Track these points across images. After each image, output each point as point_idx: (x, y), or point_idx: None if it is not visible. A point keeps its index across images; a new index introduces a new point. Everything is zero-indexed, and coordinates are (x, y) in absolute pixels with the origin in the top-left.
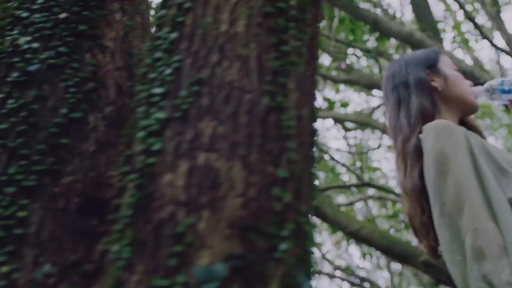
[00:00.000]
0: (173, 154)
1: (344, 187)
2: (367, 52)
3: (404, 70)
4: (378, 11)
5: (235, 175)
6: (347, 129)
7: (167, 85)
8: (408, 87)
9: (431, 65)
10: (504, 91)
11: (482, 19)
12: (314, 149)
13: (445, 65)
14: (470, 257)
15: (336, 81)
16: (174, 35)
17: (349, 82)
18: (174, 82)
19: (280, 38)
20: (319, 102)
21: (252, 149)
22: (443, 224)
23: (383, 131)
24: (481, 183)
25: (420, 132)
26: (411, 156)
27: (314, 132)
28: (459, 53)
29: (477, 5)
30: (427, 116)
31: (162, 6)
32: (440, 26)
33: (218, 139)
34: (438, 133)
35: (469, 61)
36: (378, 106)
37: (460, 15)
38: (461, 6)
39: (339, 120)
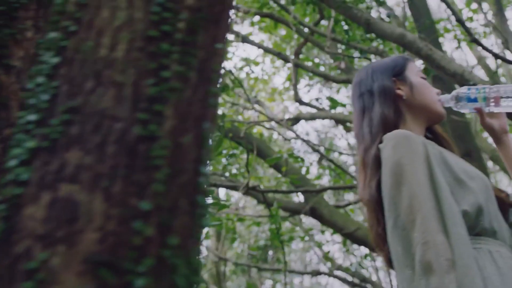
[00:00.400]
0: (37, 185)
1: (339, 188)
2: (360, 52)
3: (370, 77)
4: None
5: (95, 208)
6: (348, 129)
7: (42, 113)
8: (372, 95)
9: (397, 73)
10: (470, 100)
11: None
12: (204, 175)
13: (412, 73)
14: (419, 271)
15: (335, 81)
16: (56, 59)
17: (349, 82)
18: (48, 109)
19: (160, 63)
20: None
21: (116, 180)
22: (396, 236)
23: None
24: (435, 195)
25: (381, 142)
26: (371, 166)
27: (202, 158)
28: (461, 52)
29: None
30: (388, 125)
31: (50, 28)
32: (444, 24)
33: (83, 170)
34: (396, 143)
35: (473, 60)
36: None
37: (464, 14)
38: (448, 5)
39: (340, 121)
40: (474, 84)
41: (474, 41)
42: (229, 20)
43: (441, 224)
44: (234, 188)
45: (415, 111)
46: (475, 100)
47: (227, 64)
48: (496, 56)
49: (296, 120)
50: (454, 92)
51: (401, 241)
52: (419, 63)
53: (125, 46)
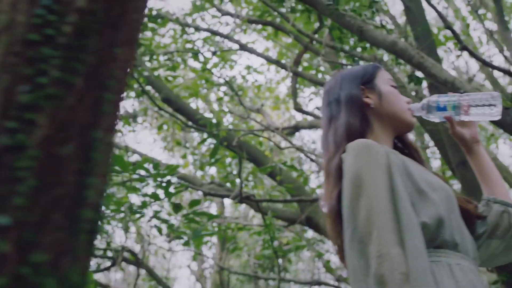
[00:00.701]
0: None
1: None
2: (353, 60)
3: (338, 86)
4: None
5: None
6: None
7: None
8: (339, 103)
9: (366, 81)
10: (439, 108)
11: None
12: (92, 187)
13: (382, 81)
14: (373, 286)
15: None
16: None
17: None
18: None
19: (38, 68)
20: None
21: None
22: (353, 249)
23: None
24: (394, 206)
25: (345, 151)
26: (333, 176)
27: (88, 169)
28: (463, 58)
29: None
30: (354, 134)
31: None
32: (445, 33)
33: None
34: (357, 153)
35: (475, 66)
36: None
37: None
38: (438, 13)
39: None
40: (461, 91)
41: (463, 48)
42: (136, 23)
43: (398, 237)
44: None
45: (383, 120)
46: (444, 108)
47: (229, 73)
48: (485, 63)
49: (295, 129)
50: (424, 101)
51: (358, 254)
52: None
53: (2, 51)
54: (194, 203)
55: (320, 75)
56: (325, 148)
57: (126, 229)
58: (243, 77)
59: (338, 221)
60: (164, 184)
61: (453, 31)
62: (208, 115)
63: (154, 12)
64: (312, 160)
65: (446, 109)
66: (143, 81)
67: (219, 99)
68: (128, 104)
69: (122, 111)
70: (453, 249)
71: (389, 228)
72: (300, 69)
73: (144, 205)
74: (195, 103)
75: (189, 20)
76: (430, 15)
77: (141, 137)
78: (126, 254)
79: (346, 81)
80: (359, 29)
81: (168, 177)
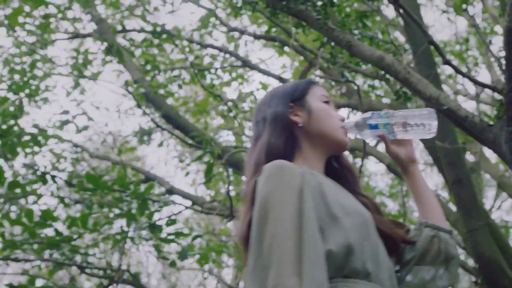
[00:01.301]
0: None
1: None
2: (342, 76)
3: (267, 103)
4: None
5: None
6: (355, 156)
7: None
8: (265, 122)
9: (297, 98)
10: (371, 126)
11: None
12: None
13: (314, 98)
14: None
15: (336, 106)
16: None
17: (349, 107)
18: None
19: None
20: None
21: None
22: (254, 279)
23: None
24: (299, 234)
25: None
26: (247, 200)
27: None
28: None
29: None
30: (274, 155)
31: None
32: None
33: None
34: (269, 175)
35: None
36: None
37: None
38: (422, 30)
39: None
40: (418, 104)
41: (446, 63)
42: None
43: (297, 267)
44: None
45: (313, 139)
46: (376, 127)
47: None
48: (470, 79)
49: None
50: (358, 118)
51: (258, 284)
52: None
53: None
54: (171, 222)
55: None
56: (246, 169)
57: (122, 251)
58: (251, 93)
59: (247, 248)
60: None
61: (436, 46)
62: (211, 132)
63: (158, 29)
64: None
65: (378, 127)
66: (140, 99)
67: (223, 116)
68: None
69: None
70: (364, 278)
71: (289, 257)
72: None
73: (128, 224)
74: (204, 120)
75: (196, 35)
76: (432, 29)
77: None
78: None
79: (275, 98)
80: (348, 43)
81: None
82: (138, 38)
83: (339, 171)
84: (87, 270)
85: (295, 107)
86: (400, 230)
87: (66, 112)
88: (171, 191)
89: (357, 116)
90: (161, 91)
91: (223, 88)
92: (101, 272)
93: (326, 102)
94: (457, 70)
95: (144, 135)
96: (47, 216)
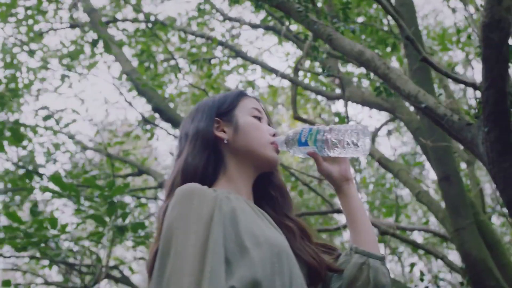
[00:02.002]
0: None
1: (316, 214)
2: (323, 70)
3: (191, 118)
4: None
5: None
6: None
7: None
8: (186, 139)
9: (223, 112)
10: (301, 143)
11: None
12: None
13: (243, 111)
14: None
15: (328, 97)
16: None
17: (342, 99)
18: None
19: None
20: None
21: None
22: None
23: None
24: (201, 269)
25: None
26: (159, 226)
27: None
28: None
29: None
30: (190, 176)
31: None
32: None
33: None
34: (176, 201)
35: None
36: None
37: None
38: (398, 23)
39: None
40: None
41: (423, 60)
42: None
43: None
44: None
45: (239, 157)
46: (305, 143)
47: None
48: (448, 76)
49: None
50: (289, 133)
51: None
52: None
53: None
54: (136, 226)
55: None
56: (164, 190)
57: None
58: (250, 83)
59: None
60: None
61: (412, 41)
62: None
63: (152, 18)
64: (296, 178)
65: (308, 144)
66: (130, 90)
67: None
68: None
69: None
70: None
71: None
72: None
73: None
74: None
75: (194, 25)
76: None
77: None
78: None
79: (200, 113)
80: (328, 37)
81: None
82: (131, 28)
83: (270, 191)
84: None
85: (221, 122)
86: (328, 256)
87: (45, 108)
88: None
89: (290, 131)
90: (153, 83)
91: (225, 78)
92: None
93: (257, 116)
94: (435, 67)
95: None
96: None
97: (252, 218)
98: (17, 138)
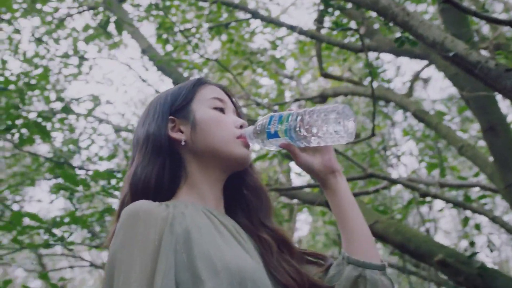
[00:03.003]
0: None
1: (354, 179)
2: (337, 25)
3: (142, 120)
4: None
5: None
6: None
7: None
8: (137, 146)
9: (179, 108)
10: (270, 135)
11: None
12: None
13: (201, 104)
14: None
15: (352, 50)
16: None
17: (367, 50)
18: None
19: None
20: None
21: None
22: None
23: None
24: None
25: None
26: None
27: None
28: None
29: None
30: (141, 190)
31: None
32: None
33: None
34: (119, 227)
35: None
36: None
37: None
38: None
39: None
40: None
41: (446, 1)
42: None
43: None
44: None
45: (201, 159)
46: (276, 135)
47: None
48: (476, 15)
49: (321, 97)
50: (257, 124)
51: None
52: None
53: None
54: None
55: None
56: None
57: None
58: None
59: None
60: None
61: None
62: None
63: None
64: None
65: (278, 135)
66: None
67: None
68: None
69: None
70: None
71: None
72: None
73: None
74: (226, 80)
75: None
76: None
77: None
78: None
79: (151, 113)
80: None
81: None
82: (145, 3)
83: (244, 193)
84: None
85: (177, 120)
86: (317, 268)
87: (61, 100)
88: None
89: (259, 119)
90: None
91: (252, 39)
92: None
93: (219, 107)
94: (459, 7)
95: None
96: (35, 219)
97: (211, 238)
98: (43, 132)
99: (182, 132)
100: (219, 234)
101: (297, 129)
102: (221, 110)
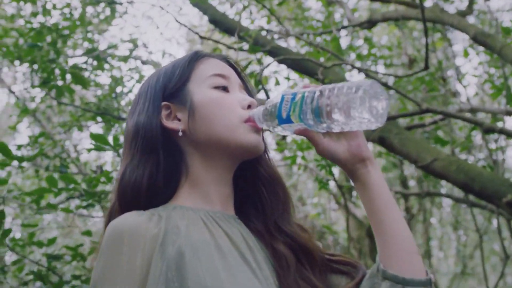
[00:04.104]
0: None
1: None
2: None
3: (132, 110)
4: None
5: None
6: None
7: None
8: (126, 141)
9: (173, 92)
10: (282, 120)
11: None
12: None
13: (199, 84)
14: None
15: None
16: None
17: None
18: None
19: None
20: None
21: None
22: None
23: None
24: None
25: None
26: None
27: None
28: None
29: None
30: (131, 197)
31: None
32: None
33: None
34: (102, 250)
35: None
36: None
37: None
38: None
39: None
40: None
41: None
42: None
43: None
44: None
45: (204, 150)
46: (288, 119)
47: None
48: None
49: (369, 23)
50: (267, 104)
51: None
52: None
53: None
54: None
55: None
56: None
57: None
58: None
59: None
60: None
61: None
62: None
63: None
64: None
65: (291, 119)
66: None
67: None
68: None
69: None
70: None
71: None
72: None
73: None
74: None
75: None
76: None
77: None
78: None
79: (141, 100)
80: None
81: None
82: None
83: (257, 187)
84: None
85: (172, 106)
86: (346, 278)
87: (94, 50)
88: None
89: (269, 100)
90: None
91: None
92: None
93: (221, 85)
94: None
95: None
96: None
97: (208, 262)
98: (80, 82)
99: (179, 120)
100: (220, 254)
101: (315, 112)
102: (224, 88)
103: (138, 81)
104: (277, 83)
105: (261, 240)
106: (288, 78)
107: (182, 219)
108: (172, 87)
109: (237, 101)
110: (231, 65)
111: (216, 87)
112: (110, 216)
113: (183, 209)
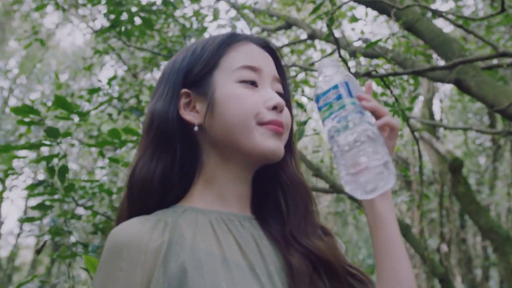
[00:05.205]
0: None
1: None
2: None
3: (154, 93)
4: None
5: None
6: None
7: None
8: (143, 130)
9: (196, 80)
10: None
11: None
12: None
13: (226, 74)
14: None
15: None
16: None
17: None
18: None
19: None
20: None
21: None
22: None
23: None
24: None
25: None
26: None
27: None
28: None
29: None
30: (142, 195)
31: None
32: None
33: None
34: (101, 262)
35: None
36: None
37: None
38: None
39: None
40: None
41: None
42: None
43: None
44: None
45: (221, 148)
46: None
47: None
48: None
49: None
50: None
51: None
52: None
53: None
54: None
55: None
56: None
57: None
58: None
59: None
60: None
61: None
62: None
63: None
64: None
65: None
66: None
67: None
68: None
69: None
70: None
71: None
72: None
73: None
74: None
75: None
76: None
77: None
78: None
79: (162, 83)
80: None
81: None
82: None
83: (277, 191)
84: None
85: (192, 95)
86: None
87: None
88: None
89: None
90: None
91: None
92: None
93: (247, 80)
94: None
95: None
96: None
97: (212, 276)
98: (148, 25)
99: (198, 112)
100: (226, 270)
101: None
102: (252, 83)
103: (214, 18)
104: (353, 20)
105: (277, 246)
106: (366, 14)
107: (189, 227)
108: (197, 72)
109: (261, 101)
110: (271, 51)
111: (243, 81)
112: (119, 218)
113: (193, 213)
